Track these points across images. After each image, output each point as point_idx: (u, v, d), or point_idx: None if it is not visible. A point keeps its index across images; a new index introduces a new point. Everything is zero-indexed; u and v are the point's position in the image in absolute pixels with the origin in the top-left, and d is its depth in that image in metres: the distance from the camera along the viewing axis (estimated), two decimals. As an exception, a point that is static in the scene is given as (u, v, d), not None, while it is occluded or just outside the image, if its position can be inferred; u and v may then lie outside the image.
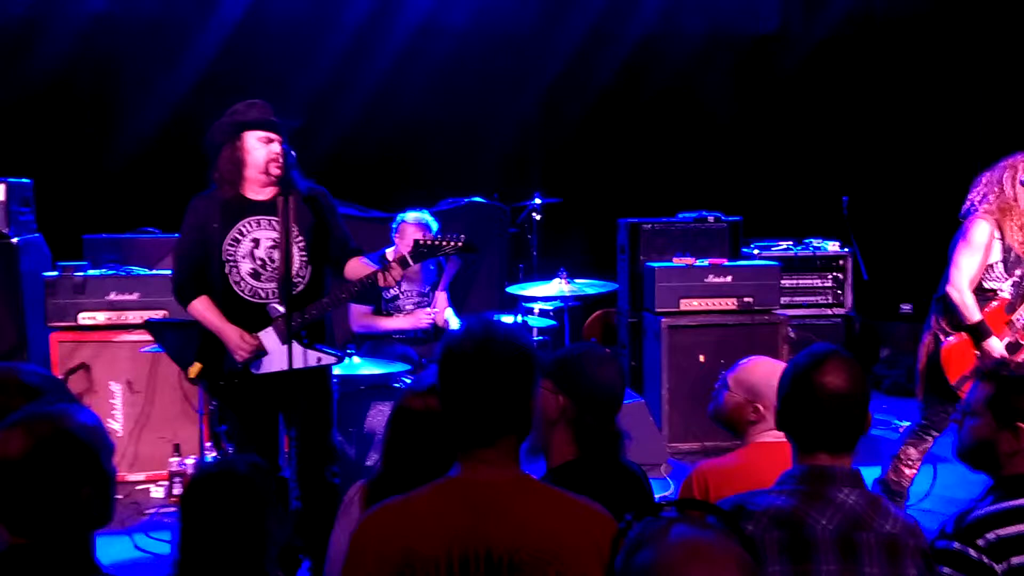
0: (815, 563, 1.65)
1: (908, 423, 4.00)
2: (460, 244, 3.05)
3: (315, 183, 3.23)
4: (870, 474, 4.22)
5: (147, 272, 4.64)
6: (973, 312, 3.58)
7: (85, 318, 4.48)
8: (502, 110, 6.34)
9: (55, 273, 4.54)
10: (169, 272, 4.56)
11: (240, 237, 3.07)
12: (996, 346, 3.55)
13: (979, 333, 3.56)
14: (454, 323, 4.63)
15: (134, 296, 4.50)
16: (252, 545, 1.87)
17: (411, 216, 4.46)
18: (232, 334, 3.03)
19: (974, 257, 3.57)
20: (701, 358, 4.86)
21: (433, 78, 6.20)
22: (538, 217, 5.53)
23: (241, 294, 3.08)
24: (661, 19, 6.53)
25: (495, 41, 6.35)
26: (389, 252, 4.53)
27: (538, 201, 5.48)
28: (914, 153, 6.61)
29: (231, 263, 3.06)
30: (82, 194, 5.63)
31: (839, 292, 5.72)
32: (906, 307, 6.26)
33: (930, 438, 3.76)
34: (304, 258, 3.12)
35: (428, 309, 4.54)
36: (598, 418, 2.10)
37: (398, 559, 1.55)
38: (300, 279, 3.10)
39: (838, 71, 6.69)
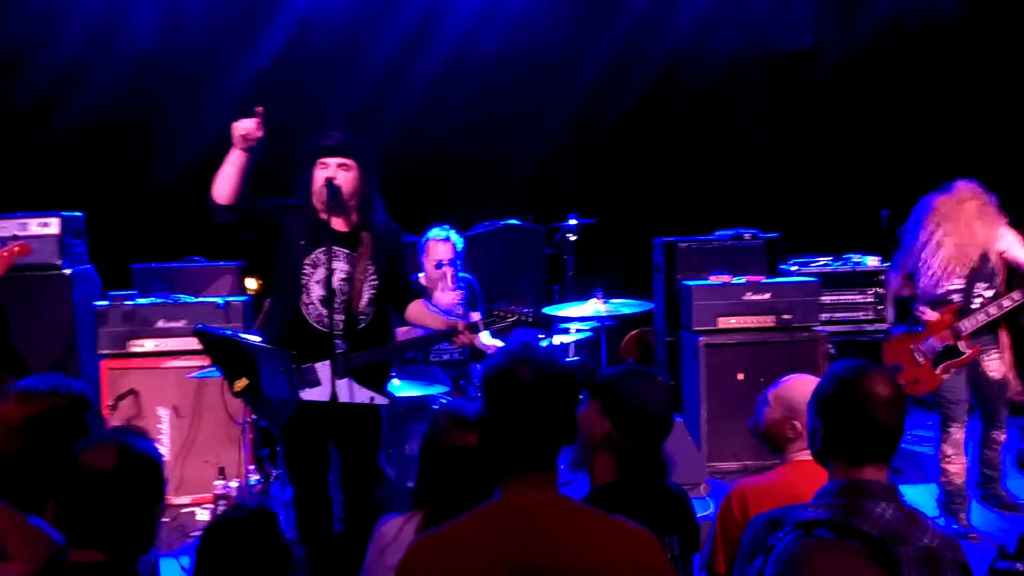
0: (851, 576, 1.64)
1: None
2: (529, 319, 3.18)
3: (390, 220, 3.30)
4: (918, 492, 4.21)
5: (194, 300, 4.77)
6: None
7: (135, 346, 4.62)
8: (535, 132, 6.39)
9: (106, 303, 4.69)
10: (215, 299, 4.73)
11: (318, 262, 3.14)
12: None
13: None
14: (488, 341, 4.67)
15: (181, 323, 4.62)
16: None
17: (436, 233, 4.56)
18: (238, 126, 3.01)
19: None
20: (740, 376, 4.82)
21: (466, 103, 6.28)
22: (573, 238, 5.55)
23: (307, 317, 3.14)
24: (693, 36, 6.54)
25: (527, 64, 6.41)
26: (422, 277, 4.60)
27: (573, 222, 5.51)
28: (953, 165, 6.51)
29: (305, 285, 3.13)
30: (130, 225, 5.81)
31: (880, 307, 5.63)
32: (951, 321, 6.14)
33: (953, 429, 4.00)
34: (372, 296, 3.18)
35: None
36: (642, 444, 2.11)
37: None
38: (364, 316, 3.17)
39: (874, 84, 6.63)
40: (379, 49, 6.23)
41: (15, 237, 4.55)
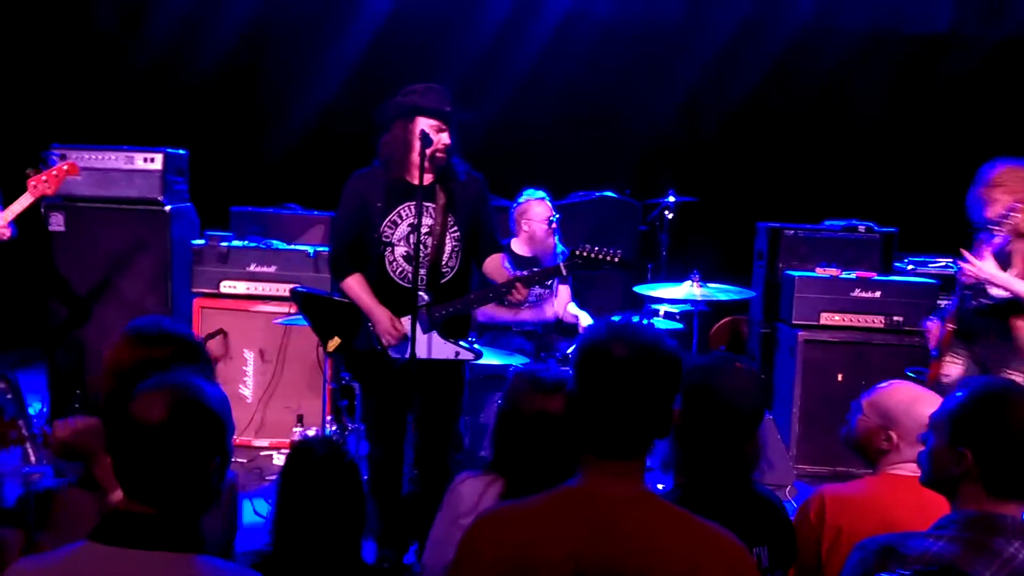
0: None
1: None
2: (617, 260, 2.97)
3: (472, 168, 3.21)
4: None
5: (286, 246, 4.81)
6: None
7: (227, 286, 4.69)
8: (642, 103, 6.18)
9: (202, 241, 4.78)
10: (306, 248, 4.76)
11: (399, 220, 3.09)
12: None
13: None
14: (583, 318, 4.53)
15: (272, 269, 4.67)
16: (350, 521, 1.87)
17: (533, 193, 4.45)
18: (384, 317, 3.05)
19: None
20: (839, 377, 4.56)
21: (573, 69, 6.13)
22: (670, 216, 5.34)
23: (392, 275, 3.11)
24: (818, 14, 6.18)
25: (639, 32, 6.19)
26: (514, 243, 4.49)
27: (671, 199, 5.29)
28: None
29: (388, 243, 3.09)
30: (233, 168, 5.91)
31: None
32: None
33: None
34: (455, 248, 3.12)
35: (552, 300, 4.49)
36: (718, 440, 1.92)
37: (513, 569, 1.47)
38: (448, 269, 3.12)
39: (1013, 79, 6.11)
40: (490, 11, 6.11)
41: (119, 171, 4.67)
